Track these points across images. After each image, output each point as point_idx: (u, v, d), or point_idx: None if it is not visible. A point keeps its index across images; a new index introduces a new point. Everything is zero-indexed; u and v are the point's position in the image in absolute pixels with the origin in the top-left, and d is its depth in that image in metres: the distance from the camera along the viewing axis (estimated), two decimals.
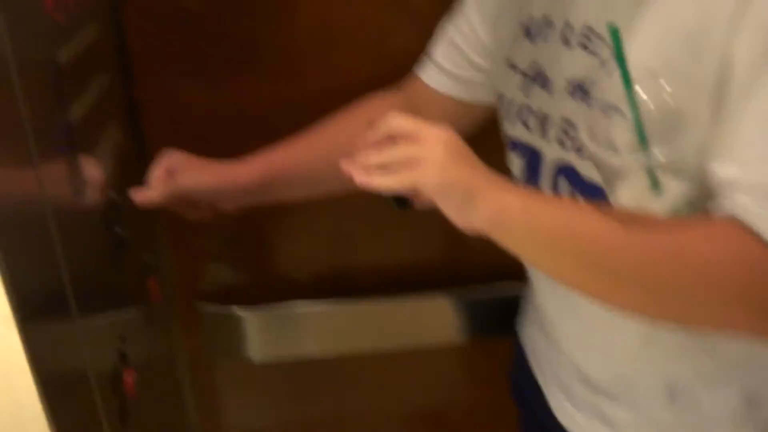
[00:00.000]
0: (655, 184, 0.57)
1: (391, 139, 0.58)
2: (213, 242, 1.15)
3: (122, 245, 0.85)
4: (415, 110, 0.83)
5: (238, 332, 1.19)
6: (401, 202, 0.60)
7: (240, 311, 1.16)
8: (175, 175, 0.85)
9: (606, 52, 0.59)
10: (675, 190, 0.57)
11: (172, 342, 1.11)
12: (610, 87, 0.58)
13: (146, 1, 0.97)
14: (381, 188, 0.58)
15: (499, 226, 0.57)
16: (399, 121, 0.58)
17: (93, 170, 0.77)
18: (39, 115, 0.60)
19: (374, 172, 0.57)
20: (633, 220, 0.55)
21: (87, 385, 0.69)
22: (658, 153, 0.55)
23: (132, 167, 0.96)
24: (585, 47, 0.63)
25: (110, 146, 0.88)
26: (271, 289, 1.20)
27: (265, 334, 1.21)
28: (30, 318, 0.53)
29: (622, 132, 0.56)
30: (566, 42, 0.65)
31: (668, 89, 0.54)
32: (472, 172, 0.57)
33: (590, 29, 0.62)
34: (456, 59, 0.82)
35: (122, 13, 0.95)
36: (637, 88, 0.55)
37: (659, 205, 0.58)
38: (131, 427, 0.80)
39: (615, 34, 0.55)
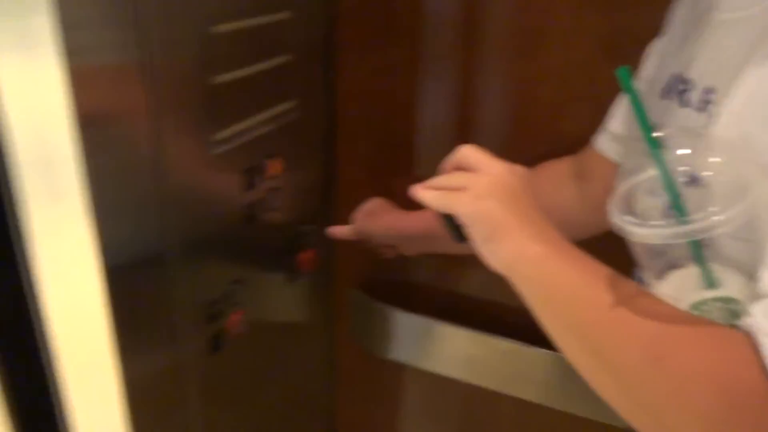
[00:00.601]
0: (701, 270, 0.45)
1: (459, 168, 0.63)
2: None
3: (262, 208, 0.94)
4: (584, 174, 0.87)
5: (385, 328, 1.22)
6: (459, 233, 0.62)
7: (393, 310, 1.19)
8: (369, 218, 1.02)
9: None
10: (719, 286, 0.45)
11: (307, 314, 1.17)
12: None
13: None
14: (423, 201, 0.62)
15: (512, 271, 0.57)
16: (466, 152, 0.62)
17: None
18: None
19: (428, 191, 0.62)
20: (644, 300, 0.45)
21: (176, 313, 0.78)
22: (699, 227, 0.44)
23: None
24: (695, 107, 0.57)
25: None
26: (426, 299, 1.21)
27: (411, 338, 1.22)
28: None
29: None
30: (680, 100, 0.60)
31: (739, 161, 0.47)
32: (508, 211, 0.57)
33: (706, 88, 0.56)
34: (626, 124, 0.81)
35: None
36: (715, 159, 0.49)
37: (694, 297, 0.46)
38: (223, 358, 0.89)
39: (623, 73, 0.50)
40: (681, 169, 0.50)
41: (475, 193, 0.58)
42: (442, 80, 1.05)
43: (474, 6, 0.99)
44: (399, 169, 1.15)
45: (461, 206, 0.59)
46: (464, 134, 1.08)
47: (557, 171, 0.91)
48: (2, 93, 0.61)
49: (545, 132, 1.02)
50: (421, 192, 0.62)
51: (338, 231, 1.04)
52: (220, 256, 0.89)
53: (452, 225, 0.63)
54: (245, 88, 0.86)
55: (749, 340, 0.41)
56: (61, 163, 0.63)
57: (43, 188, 0.65)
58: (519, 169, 0.62)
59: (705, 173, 0.48)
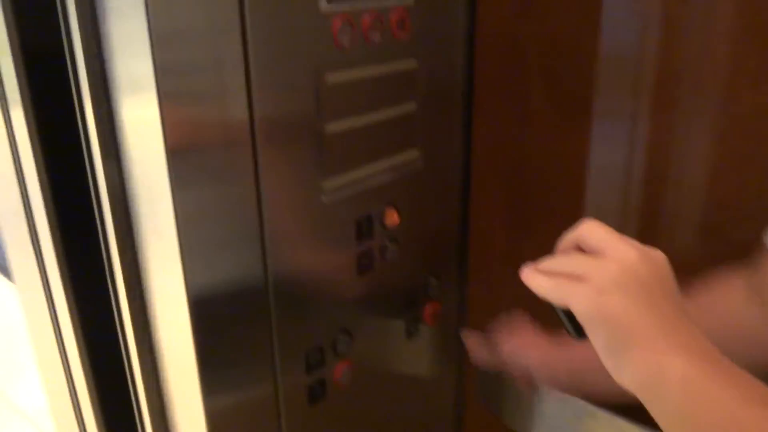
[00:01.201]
0: None
1: (580, 248, 0.53)
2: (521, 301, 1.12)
3: (378, 258, 0.92)
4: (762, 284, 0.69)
5: (517, 398, 1.13)
6: (578, 329, 0.51)
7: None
8: (515, 345, 0.91)
9: None
10: None
11: (428, 370, 1.12)
12: None
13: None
14: (534, 288, 0.53)
15: (649, 392, 0.46)
16: (589, 229, 0.52)
17: None
18: None
19: (540, 277, 0.52)
20: None
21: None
22: None
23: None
24: None
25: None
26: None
27: (550, 415, 1.11)
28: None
29: None
30: None
31: None
32: (641, 312, 0.46)
33: None
34: None
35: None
36: None
37: None
38: (324, 409, 0.87)
39: None
40: None
41: (597, 285, 0.47)
42: (581, 127, 0.97)
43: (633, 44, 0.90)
44: (535, 222, 1.07)
45: (578, 302, 0.48)
46: (625, 192, 0.97)
47: (731, 283, 0.72)
48: (126, 133, 0.65)
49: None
50: (532, 277, 0.52)
51: (480, 357, 0.95)
52: (328, 303, 0.88)
53: (570, 318, 0.51)
54: (362, 135, 0.85)
55: None
56: (166, 200, 0.66)
57: (149, 225, 0.69)
58: (657, 256, 0.50)
59: None
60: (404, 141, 0.92)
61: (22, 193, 0.85)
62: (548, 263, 0.53)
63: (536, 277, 0.52)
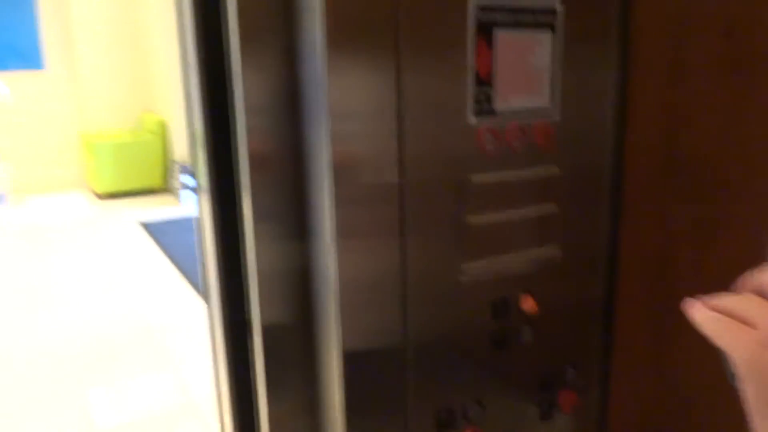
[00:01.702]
0: None
1: (760, 293, 0.49)
2: (667, 403, 1.14)
3: (512, 339, 1.03)
4: None
5: None
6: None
7: None
8: None
9: None
10: None
11: None
12: None
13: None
14: (694, 320, 0.50)
15: None
16: None
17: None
18: None
19: (704, 311, 0.49)
20: None
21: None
22: None
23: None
24: None
25: None
26: None
27: None
28: None
29: None
30: None
31: None
32: None
33: None
34: None
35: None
36: None
37: None
38: None
39: None
40: None
41: (763, 335, 0.44)
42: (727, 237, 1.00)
43: None
44: (682, 328, 1.09)
45: (738, 347, 0.45)
46: None
47: None
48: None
49: None
50: (697, 309, 0.49)
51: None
52: (463, 371, 1.00)
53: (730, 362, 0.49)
54: (502, 228, 0.99)
55: None
56: (333, 271, 0.86)
57: (313, 287, 0.89)
58: None
59: None
60: (544, 236, 1.04)
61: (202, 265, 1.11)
62: (719, 300, 0.50)
63: (701, 310, 0.49)
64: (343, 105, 0.83)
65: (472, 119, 0.92)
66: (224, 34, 0.90)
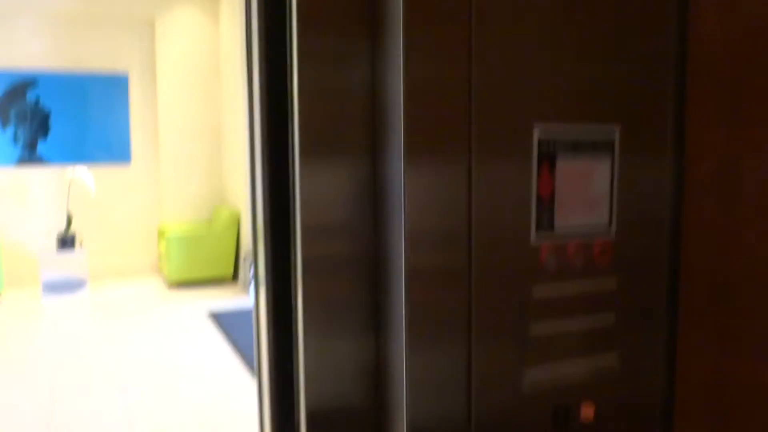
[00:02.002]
0: None
1: None
2: None
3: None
4: None
5: None
6: None
7: None
8: None
9: None
10: None
11: None
12: None
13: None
14: None
15: None
16: None
17: None
18: None
19: None
20: None
21: None
22: None
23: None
24: None
25: None
26: None
27: None
28: None
29: None
30: None
31: None
32: None
33: None
34: None
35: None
36: None
37: None
38: None
39: None
40: None
41: None
42: None
43: None
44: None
45: None
46: None
47: None
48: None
49: None
50: None
51: None
52: None
53: None
54: (563, 337, 1.05)
55: None
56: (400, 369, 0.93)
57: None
58: None
59: None
60: (602, 345, 1.09)
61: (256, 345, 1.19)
62: None
63: None
64: (418, 214, 0.93)
65: (534, 236, 1.00)
66: (290, 136, 1.01)
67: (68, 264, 6.09)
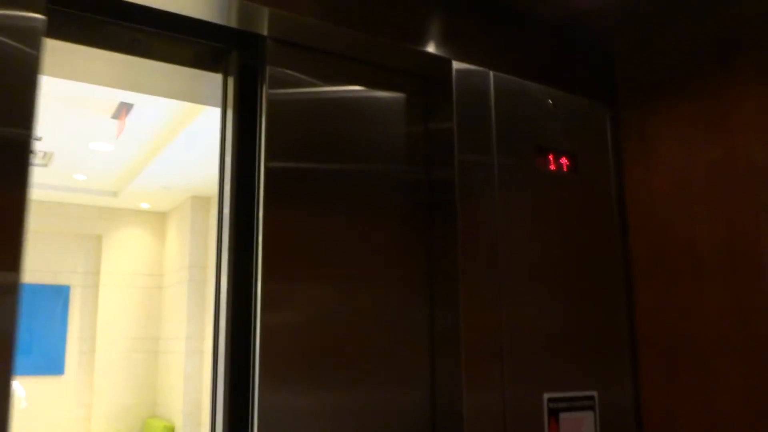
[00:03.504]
0: None
1: None
2: None
3: None
4: None
5: None
6: None
7: None
8: None
9: None
10: None
11: None
12: None
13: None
14: None
15: None
16: None
17: None
18: None
19: None
20: None
21: None
22: None
23: None
24: None
25: None
26: None
27: None
28: None
29: None
30: None
31: None
32: None
33: None
34: None
35: None
36: None
37: None
38: None
39: None
40: None
41: None
42: None
43: None
44: None
45: None
46: None
47: None
48: None
49: None
50: None
51: None
52: None
53: None
54: None
55: None
56: None
57: None
58: None
59: None
60: None
61: None
62: None
63: None
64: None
65: None
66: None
67: None
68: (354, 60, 1.54)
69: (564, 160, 1.69)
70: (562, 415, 1.51)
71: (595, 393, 1.58)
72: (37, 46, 1.07)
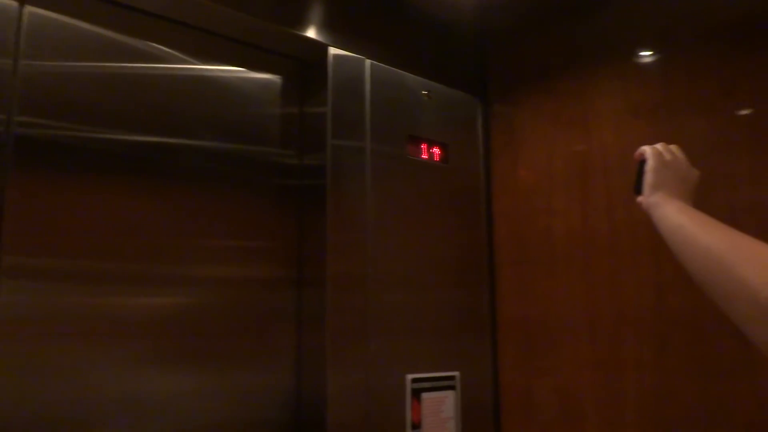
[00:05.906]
0: None
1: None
2: None
3: None
4: None
5: None
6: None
7: None
8: None
9: None
10: None
11: None
12: None
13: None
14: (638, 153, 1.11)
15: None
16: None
17: None
18: None
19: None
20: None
21: None
22: None
23: None
24: None
25: None
26: None
27: None
28: None
29: None
30: None
31: None
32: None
33: None
34: None
35: None
36: None
37: None
38: None
39: None
40: None
41: (659, 147, 1.09)
42: None
43: None
44: None
45: (648, 149, 1.09)
46: None
47: None
48: None
49: None
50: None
51: None
52: None
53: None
54: None
55: None
56: None
57: None
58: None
59: None
60: None
61: None
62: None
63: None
64: None
65: None
66: None
67: None
68: (230, 39, 1.53)
69: (436, 150, 1.75)
70: (425, 395, 1.56)
71: (457, 373, 1.65)
72: None
